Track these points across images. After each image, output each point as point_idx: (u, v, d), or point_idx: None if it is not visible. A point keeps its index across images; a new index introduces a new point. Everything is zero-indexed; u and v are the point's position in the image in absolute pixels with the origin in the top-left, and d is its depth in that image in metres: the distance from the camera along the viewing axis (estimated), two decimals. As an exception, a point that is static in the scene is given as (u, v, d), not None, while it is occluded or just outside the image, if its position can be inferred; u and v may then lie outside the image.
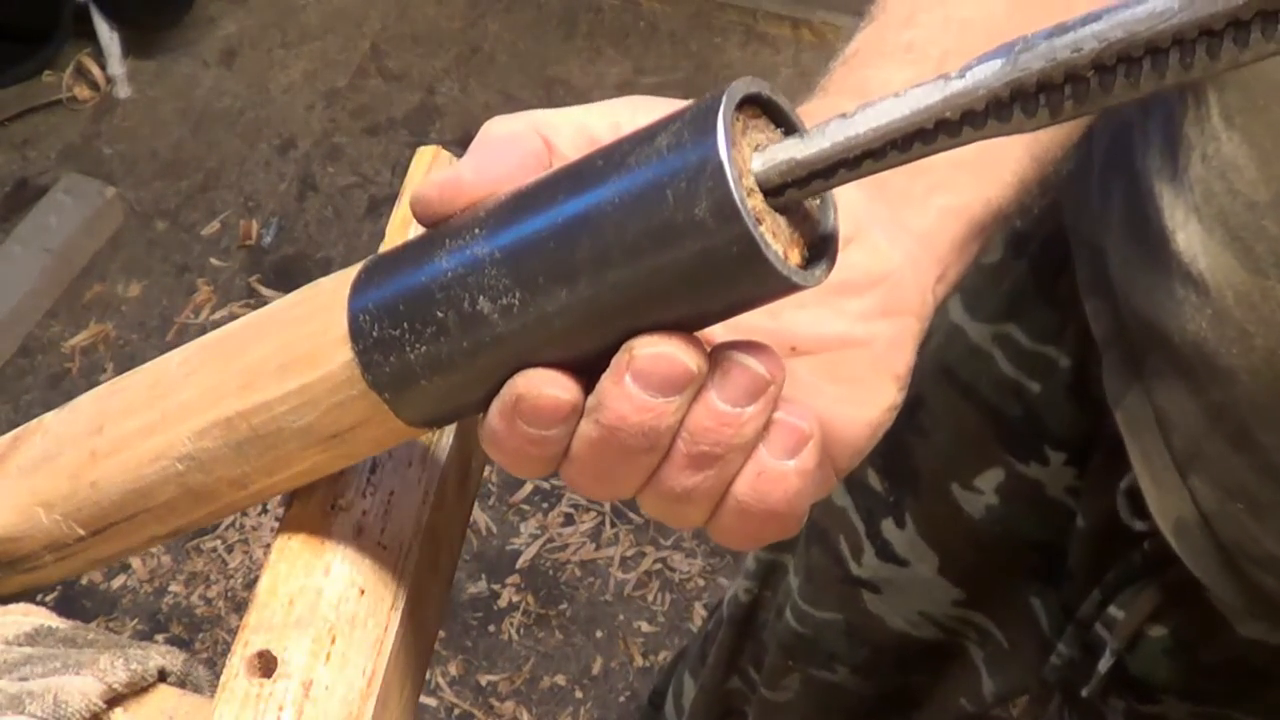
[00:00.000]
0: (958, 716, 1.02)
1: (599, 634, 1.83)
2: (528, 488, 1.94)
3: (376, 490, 0.48)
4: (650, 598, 1.86)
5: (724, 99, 0.35)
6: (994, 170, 0.51)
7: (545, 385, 0.38)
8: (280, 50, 2.47)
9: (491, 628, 1.83)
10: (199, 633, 1.82)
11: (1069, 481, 0.81)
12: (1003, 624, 0.92)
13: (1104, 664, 0.78)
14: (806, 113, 0.49)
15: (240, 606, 1.82)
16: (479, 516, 1.91)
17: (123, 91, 2.37)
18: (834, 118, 0.35)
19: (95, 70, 2.37)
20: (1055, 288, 0.77)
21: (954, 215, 0.49)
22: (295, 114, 2.37)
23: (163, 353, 0.48)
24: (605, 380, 0.37)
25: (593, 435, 0.38)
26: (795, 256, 0.37)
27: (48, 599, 1.74)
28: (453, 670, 1.79)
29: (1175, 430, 0.65)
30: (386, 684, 0.45)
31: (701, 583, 1.87)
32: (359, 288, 0.41)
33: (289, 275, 2.15)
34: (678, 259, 0.35)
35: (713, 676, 1.18)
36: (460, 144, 0.42)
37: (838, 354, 0.45)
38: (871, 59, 0.52)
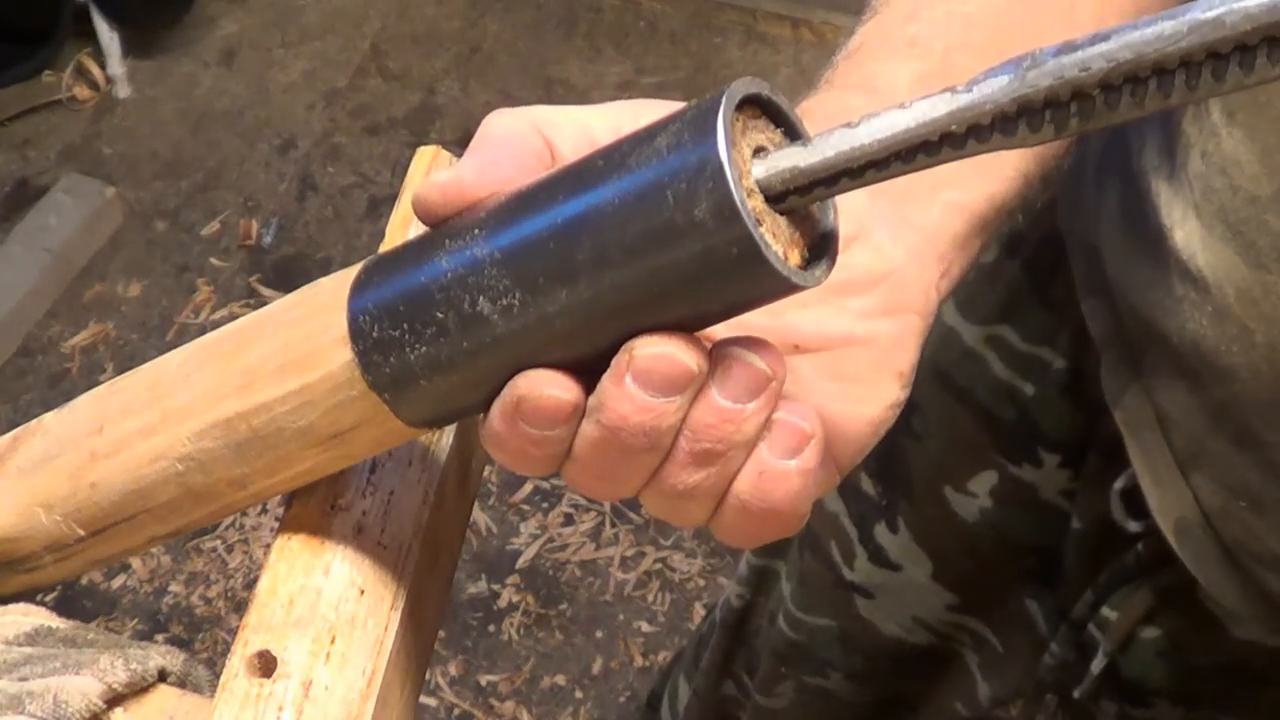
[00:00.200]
0: (953, 721, 1.02)
1: (599, 634, 1.83)
2: (528, 488, 1.94)
3: (376, 490, 0.48)
4: (650, 598, 1.86)
5: (724, 99, 0.35)
6: (997, 165, 0.51)
7: (547, 386, 0.38)
8: (280, 50, 2.47)
9: (491, 628, 1.83)
10: (199, 633, 1.82)
11: (1063, 484, 0.80)
12: (997, 628, 0.91)
13: (1096, 665, 0.78)
14: (810, 108, 0.49)
15: (240, 606, 1.82)
16: (479, 516, 1.91)
17: (123, 91, 2.37)
18: (838, 127, 0.35)
19: (95, 70, 2.37)
20: (1050, 289, 0.76)
21: (959, 211, 0.49)
22: (295, 114, 2.37)
23: (163, 353, 0.48)
24: (606, 381, 0.37)
25: (594, 435, 0.38)
26: (795, 256, 0.37)
27: (48, 599, 1.74)
28: (453, 670, 1.79)
29: (1177, 429, 0.65)
30: (386, 684, 0.45)
31: (701, 583, 1.87)
32: (359, 288, 0.41)
33: (289, 275, 2.15)
34: (678, 260, 0.35)
35: (706, 681, 1.18)
36: (460, 144, 0.42)
37: (840, 352, 0.45)
38: (876, 53, 0.52)
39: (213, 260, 2.18)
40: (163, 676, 0.49)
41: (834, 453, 0.45)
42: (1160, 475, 0.67)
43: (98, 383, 0.51)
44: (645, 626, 1.83)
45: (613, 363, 0.37)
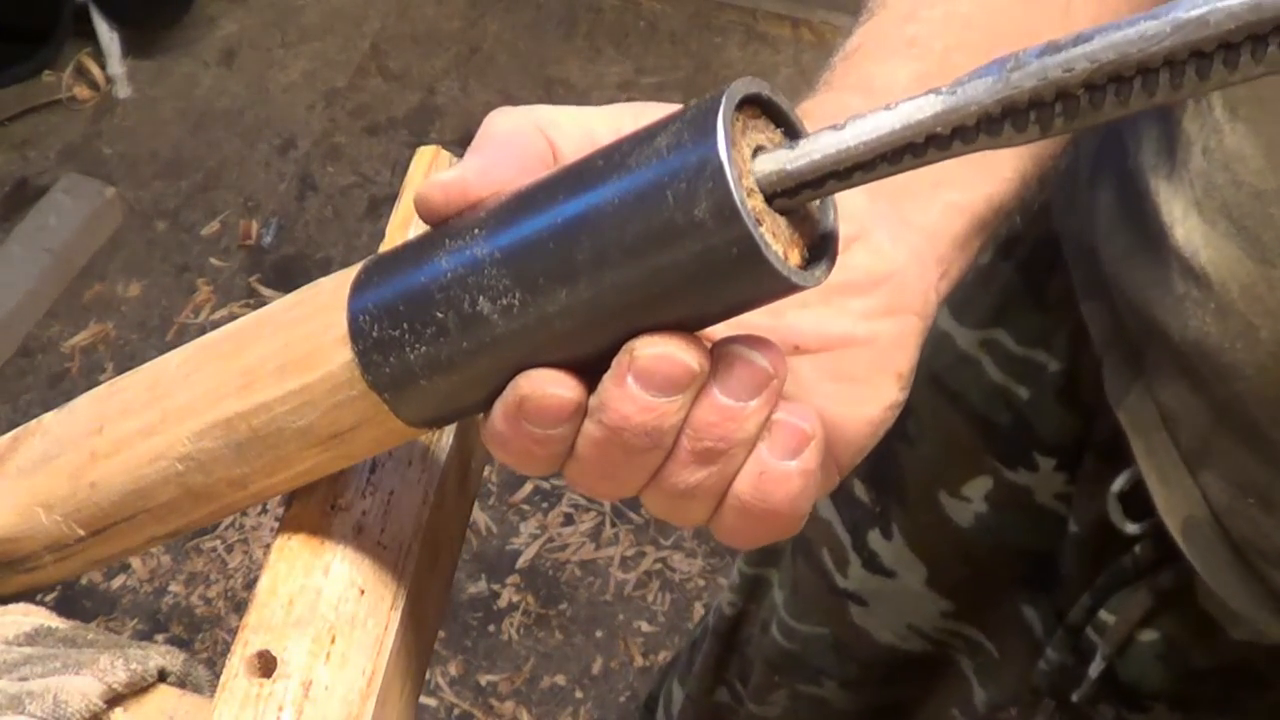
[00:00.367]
0: (951, 727, 1.01)
1: (599, 634, 1.83)
2: (528, 487, 1.94)
3: (376, 490, 0.48)
4: (650, 598, 1.86)
5: (724, 99, 0.35)
6: (995, 167, 0.51)
7: (550, 385, 0.38)
8: (280, 50, 2.47)
9: (491, 628, 1.83)
10: (199, 633, 1.82)
11: (1059, 487, 0.80)
12: (993, 634, 0.91)
13: (1095, 669, 0.77)
14: (808, 109, 0.49)
15: (240, 606, 1.82)
16: (479, 516, 1.91)
17: (123, 91, 2.37)
18: (825, 129, 0.35)
19: (95, 70, 2.37)
20: (1044, 291, 0.76)
21: (958, 211, 0.49)
22: (295, 114, 2.37)
23: (163, 353, 0.48)
24: (607, 381, 0.37)
25: (596, 435, 0.38)
26: (795, 257, 0.37)
27: (48, 599, 1.74)
28: (453, 670, 1.79)
29: (1182, 427, 0.65)
30: (386, 684, 0.45)
31: (701, 583, 1.87)
32: (359, 288, 0.41)
33: (289, 275, 2.15)
34: (678, 260, 0.35)
35: (699, 687, 1.17)
36: (460, 144, 0.42)
37: (840, 353, 0.45)
38: (874, 54, 0.52)
39: (213, 260, 2.18)
40: (163, 676, 0.49)
41: (834, 454, 0.45)
42: (1167, 474, 0.66)
43: (98, 383, 0.51)
44: (645, 626, 1.83)
45: (614, 363, 0.37)
